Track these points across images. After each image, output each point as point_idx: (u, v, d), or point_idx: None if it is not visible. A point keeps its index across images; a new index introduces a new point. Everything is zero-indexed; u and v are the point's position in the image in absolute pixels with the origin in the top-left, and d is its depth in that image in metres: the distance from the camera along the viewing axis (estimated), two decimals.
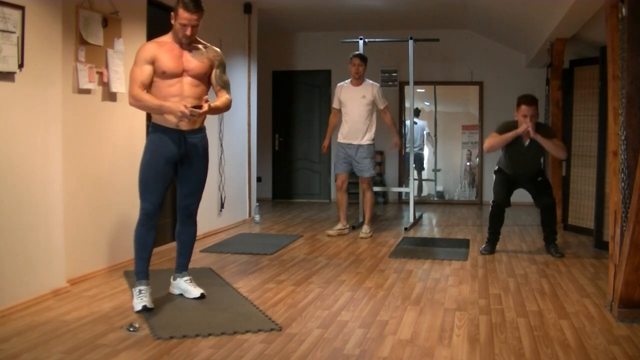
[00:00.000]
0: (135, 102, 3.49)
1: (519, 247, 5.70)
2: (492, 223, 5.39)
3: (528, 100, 5.08)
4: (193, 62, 3.56)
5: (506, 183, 5.36)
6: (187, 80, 3.54)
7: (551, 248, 5.29)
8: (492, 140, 5.22)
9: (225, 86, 3.72)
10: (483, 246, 5.43)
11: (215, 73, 3.67)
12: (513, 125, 5.16)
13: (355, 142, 6.13)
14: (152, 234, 3.61)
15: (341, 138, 6.21)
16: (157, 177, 3.55)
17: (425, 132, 9.66)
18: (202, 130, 3.70)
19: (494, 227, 5.39)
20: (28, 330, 3.19)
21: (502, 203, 5.35)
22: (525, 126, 5.03)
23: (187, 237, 3.83)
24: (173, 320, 3.38)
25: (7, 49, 3.41)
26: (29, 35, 3.56)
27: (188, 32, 3.48)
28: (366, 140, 6.13)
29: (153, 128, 3.60)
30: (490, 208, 5.42)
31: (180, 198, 3.76)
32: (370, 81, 6.27)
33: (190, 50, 3.57)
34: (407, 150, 7.77)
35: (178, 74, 3.52)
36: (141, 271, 3.60)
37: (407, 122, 8.97)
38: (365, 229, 6.22)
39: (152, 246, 3.64)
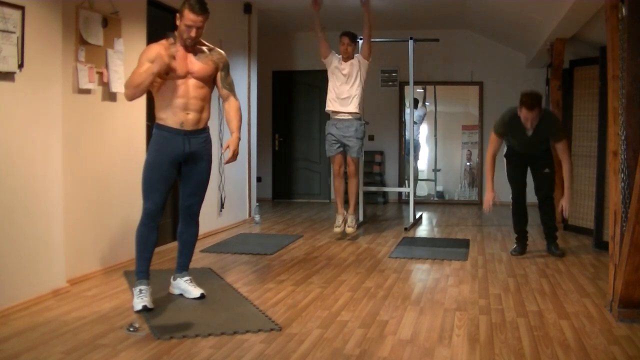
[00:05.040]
0: (128, 90, 3.51)
1: None
2: (516, 220, 5.29)
3: (529, 104, 4.79)
4: (197, 64, 3.59)
5: (519, 167, 5.22)
6: (191, 82, 3.58)
7: (552, 246, 5.29)
8: (488, 154, 5.13)
9: (231, 88, 3.77)
10: (513, 247, 5.34)
11: (220, 75, 3.71)
12: (510, 116, 5.02)
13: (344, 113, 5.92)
14: (155, 234, 3.61)
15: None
16: (160, 177, 3.56)
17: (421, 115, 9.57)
18: (205, 130, 3.72)
19: (520, 225, 5.28)
20: (28, 330, 3.19)
21: (520, 191, 5.23)
22: (487, 202, 5.02)
23: (188, 237, 3.84)
24: (173, 320, 3.38)
25: (7, 49, 3.41)
26: (29, 35, 3.56)
27: (193, 33, 3.49)
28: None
29: (157, 128, 3.60)
30: (511, 205, 5.31)
31: (182, 198, 3.76)
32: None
33: (194, 53, 3.60)
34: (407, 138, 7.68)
35: (182, 76, 3.54)
36: (142, 271, 3.60)
37: (407, 110, 8.93)
38: (350, 220, 5.94)
39: (153, 246, 3.64)
